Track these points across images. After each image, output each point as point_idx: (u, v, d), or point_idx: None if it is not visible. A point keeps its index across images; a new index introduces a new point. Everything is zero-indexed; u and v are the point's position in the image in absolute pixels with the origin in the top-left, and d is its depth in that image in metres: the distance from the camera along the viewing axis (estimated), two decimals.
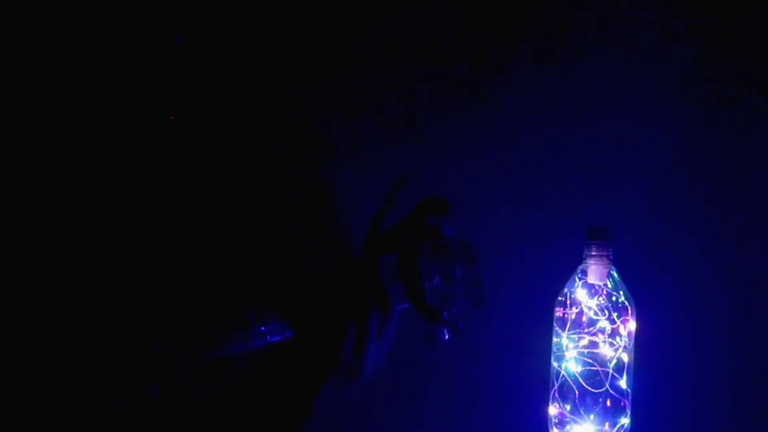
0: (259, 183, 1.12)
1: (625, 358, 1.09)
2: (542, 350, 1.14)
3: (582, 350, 1.10)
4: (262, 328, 0.82)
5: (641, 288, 1.12)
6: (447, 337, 0.94)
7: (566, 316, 1.11)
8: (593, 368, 1.09)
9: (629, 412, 1.10)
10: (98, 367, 0.74)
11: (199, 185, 1.03)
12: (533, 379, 1.17)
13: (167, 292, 0.92)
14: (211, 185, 1.05)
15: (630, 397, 1.10)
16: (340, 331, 0.88)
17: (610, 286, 1.10)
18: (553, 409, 1.12)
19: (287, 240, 1.11)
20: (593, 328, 1.09)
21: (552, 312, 1.13)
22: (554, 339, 1.12)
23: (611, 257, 1.10)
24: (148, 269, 0.93)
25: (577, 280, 1.11)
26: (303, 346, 0.88)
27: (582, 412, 1.09)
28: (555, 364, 1.12)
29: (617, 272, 1.10)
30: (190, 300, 0.82)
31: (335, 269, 0.91)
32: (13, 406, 0.71)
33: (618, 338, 1.09)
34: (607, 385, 1.09)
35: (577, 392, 1.09)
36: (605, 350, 1.09)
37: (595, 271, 1.10)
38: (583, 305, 1.10)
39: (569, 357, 1.10)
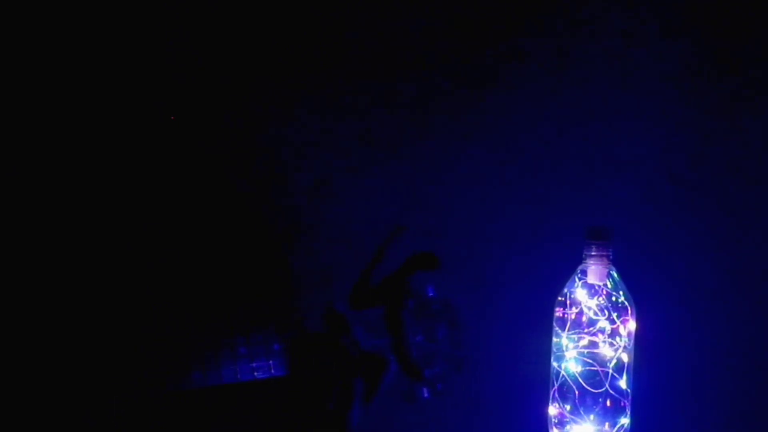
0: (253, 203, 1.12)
1: (625, 358, 1.09)
2: (542, 350, 1.14)
3: (582, 350, 1.10)
4: (252, 364, 0.81)
5: (641, 288, 1.12)
6: (426, 395, 0.96)
7: (566, 316, 1.11)
8: (593, 368, 1.09)
9: (629, 412, 1.10)
10: (91, 370, 0.74)
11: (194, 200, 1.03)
12: (533, 379, 1.17)
13: (163, 303, 0.92)
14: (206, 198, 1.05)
15: (630, 397, 1.10)
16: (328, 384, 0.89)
17: (609, 286, 1.10)
18: (553, 409, 1.12)
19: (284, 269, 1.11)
20: (593, 328, 1.09)
21: (552, 312, 1.13)
22: (554, 339, 1.12)
23: (611, 257, 1.10)
24: (145, 279, 0.93)
25: (577, 280, 1.11)
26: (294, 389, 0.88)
27: (582, 412, 1.09)
28: (555, 364, 1.12)
29: (617, 272, 1.10)
30: (179, 322, 0.82)
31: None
32: (12, 406, 0.71)
33: (618, 338, 1.09)
34: (607, 385, 1.09)
35: (576, 392, 1.09)
36: (605, 350, 1.09)
37: (594, 271, 1.10)
38: (583, 305, 1.10)
39: (569, 357, 1.10)
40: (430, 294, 0.98)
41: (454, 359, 0.99)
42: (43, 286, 0.87)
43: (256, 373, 0.82)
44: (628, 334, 1.09)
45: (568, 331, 1.11)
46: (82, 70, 0.97)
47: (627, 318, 1.09)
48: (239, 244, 1.11)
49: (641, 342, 1.11)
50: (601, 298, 1.10)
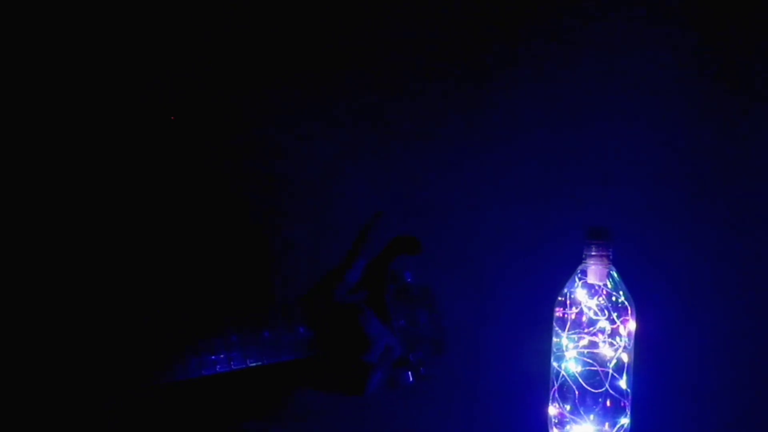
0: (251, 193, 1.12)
1: (625, 358, 1.09)
2: (542, 350, 1.14)
3: (582, 350, 1.09)
4: (222, 355, 0.81)
5: (641, 288, 1.12)
6: (411, 380, 0.96)
7: (566, 316, 1.11)
8: (593, 368, 1.09)
9: (629, 412, 1.10)
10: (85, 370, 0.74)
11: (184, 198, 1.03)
12: (533, 379, 1.17)
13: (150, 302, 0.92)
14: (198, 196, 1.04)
15: (630, 397, 1.10)
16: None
17: (610, 286, 1.10)
18: (553, 409, 1.12)
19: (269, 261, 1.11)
20: (593, 328, 1.09)
21: (552, 312, 1.13)
22: (554, 339, 1.12)
23: (611, 257, 1.10)
24: (138, 273, 0.93)
25: (577, 280, 1.11)
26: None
27: (582, 412, 1.09)
28: (555, 364, 1.12)
29: (617, 272, 1.10)
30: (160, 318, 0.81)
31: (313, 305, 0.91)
32: (8, 407, 0.71)
33: (618, 338, 1.09)
34: (607, 385, 1.09)
35: (577, 392, 1.09)
36: (605, 350, 1.09)
37: (595, 271, 1.10)
38: (583, 305, 1.10)
39: (569, 357, 1.10)
40: (408, 280, 0.98)
41: (435, 343, 1.00)
42: (33, 281, 0.87)
43: (248, 362, 0.82)
44: (628, 334, 1.09)
45: (568, 331, 1.10)
46: (82, 70, 0.97)
47: (627, 318, 1.09)
48: (233, 239, 1.10)
49: (641, 342, 1.11)
50: (601, 298, 1.10)
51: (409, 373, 0.96)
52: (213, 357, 0.80)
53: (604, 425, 1.10)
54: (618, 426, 1.10)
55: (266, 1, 1.21)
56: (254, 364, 0.83)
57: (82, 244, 0.92)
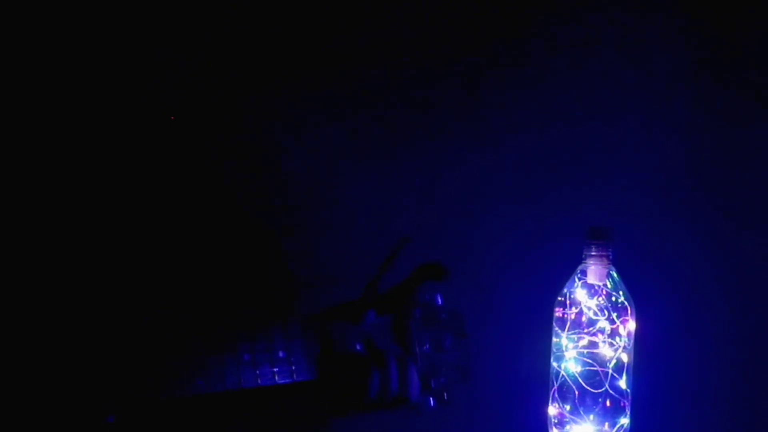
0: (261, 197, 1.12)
1: (625, 358, 1.09)
2: (542, 350, 1.14)
3: (581, 350, 1.10)
4: (233, 374, 0.80)
5: (641, 288, 1.12)
6: (432, 405, 0.95)
7: (566, 316, 1.11)
8: (593, 368, 1.09)
9: (629, 412, 1.10)
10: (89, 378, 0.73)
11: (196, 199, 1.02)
12: (533, 379, 1.17)
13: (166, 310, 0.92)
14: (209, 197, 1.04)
15: (629, 397, 1.10)
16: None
17: (609, 286, 1.10)
18: (552, 409, 1.12)
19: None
20: (593, 328, 1.09)
21: (552, 312, 1.13)
22: (554, 339, 1.13)
23: (611, 257, 1.10)
24: (147, 284, 0.93)
25: (576, 280, 1.11)
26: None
27: (581, 412, 1.09)
28: (555, 364, 1.12)
29: (617, 272, 1.10)
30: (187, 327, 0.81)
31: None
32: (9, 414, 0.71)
33: (617, 338, 1.09)
34: (607, 386, 1.09)
35: (576, 392, 1.09)
36: (605, 350, 1.09)
37: (594, 271, 1.10)
38: (582, 305, 1.10)
39: (569, 357, 1.10)
40: (439, 303, 0.98)
41: (460, 369, 0.99)
42: (39, 289, 0.87)
43: (259, 380, 0.81)
44: (628, 334, 1.09)
45: (568, 331, 1.11)
46: (82, 70, 0.97)
47: (627, 318, 1.09)
48: (242, 248, 1.10)
49: (641, 342, 1.11)
50: (600, 298, 1.10)
51: (431, 398, 0.96)
52: (224, 376, 0.78)
53: (603, 425, 1.10)
54: (618, 426, 1.10)
55: (266, 1, 1.21)
56: (266, 384, 0.81)
57: (83, 245, 0.92)
